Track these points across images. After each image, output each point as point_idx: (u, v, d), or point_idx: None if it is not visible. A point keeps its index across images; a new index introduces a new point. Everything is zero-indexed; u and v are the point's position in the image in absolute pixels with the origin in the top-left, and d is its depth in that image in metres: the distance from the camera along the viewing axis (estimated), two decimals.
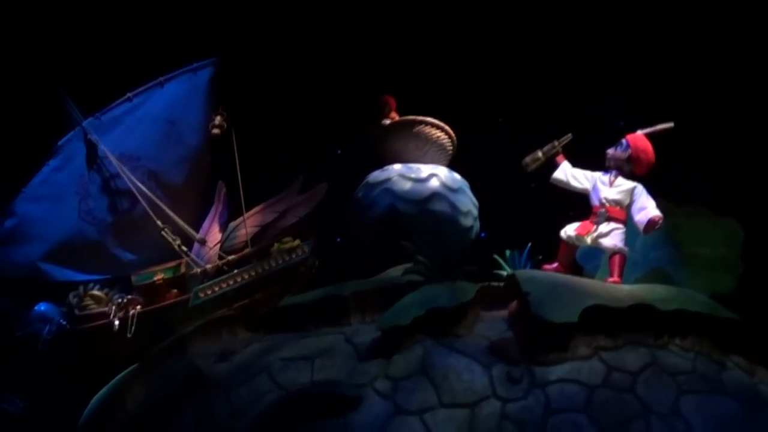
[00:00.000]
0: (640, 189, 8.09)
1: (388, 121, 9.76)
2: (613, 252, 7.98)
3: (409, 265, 8.22)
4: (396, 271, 8.30)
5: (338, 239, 10.39)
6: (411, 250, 8.22)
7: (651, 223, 7.90)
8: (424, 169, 9.26)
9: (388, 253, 8.63)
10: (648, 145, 8.17)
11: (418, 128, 9.52)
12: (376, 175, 9.35)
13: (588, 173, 8.25)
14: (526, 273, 7.59)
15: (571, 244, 8.20)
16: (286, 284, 9.25)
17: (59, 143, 9.34)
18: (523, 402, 6.56)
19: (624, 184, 8.10)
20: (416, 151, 9.46)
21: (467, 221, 9.23)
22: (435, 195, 9.12)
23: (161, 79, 9.58)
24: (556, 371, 6.70)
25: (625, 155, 8.12)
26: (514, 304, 7.33)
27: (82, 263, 9.24)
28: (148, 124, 9.46)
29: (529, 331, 6.92)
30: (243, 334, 8.56)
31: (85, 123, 9.36)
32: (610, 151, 8.20)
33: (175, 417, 7.35)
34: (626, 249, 8.05)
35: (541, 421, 6.44)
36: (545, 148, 8.35)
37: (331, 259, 9.48)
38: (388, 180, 9.20)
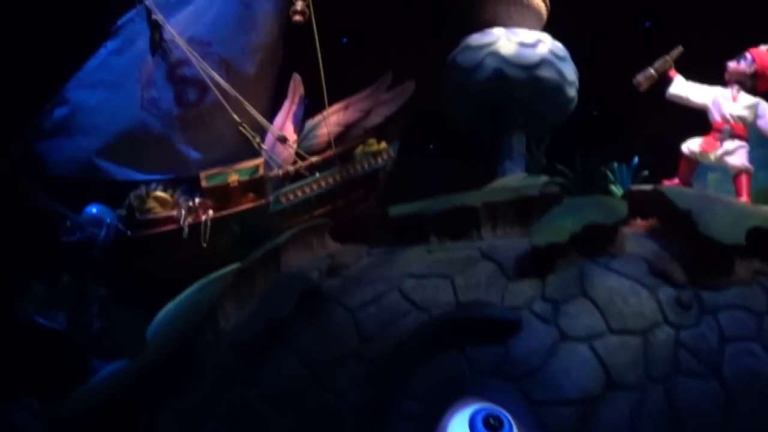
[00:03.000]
0: (764, 104, 7.74)
1: None
2: (740, 171, 7.60)
3: (524, 174, 7.55)
4: (513, 180, 7.59)
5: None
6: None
7: None
8: (529, 34, 8.52)
9: (489, 119, 7.89)
10: None
11: None
12: (478, 38, 8.66)
13: (705, 87, 7.86)
14: (673, 189, 7.06)
15: (693, 160, 7.78)
16: (368, 190, 8.46)
17: (119, 22, 8.34)
18: (696, 329, 6.00)
19: (748, 99, 7.74)
20: (515, 16, 8.76)
21: (571, 92, 8.71)
22: (544, 61, 8.52)
23: None
24: (724, 296, 6.16)
25: (750, 70, 7.78)
26: (656, 221, 6.75)
27: (143, 160, 8.31)
28: (220, 5, 8.38)
29: (692, 252, 6.32)
30: (333, 245, 7.82)
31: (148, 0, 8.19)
32: (732, 65, 7.83)
33: (291, 341, 6.44)
34: (752, 167, 7.64)
35: (717, 350, 5.90)
36: (656, 64, 7.93)
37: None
38: (493, 43, 8.46)
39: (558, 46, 8.75)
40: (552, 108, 8.54)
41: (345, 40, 9.85)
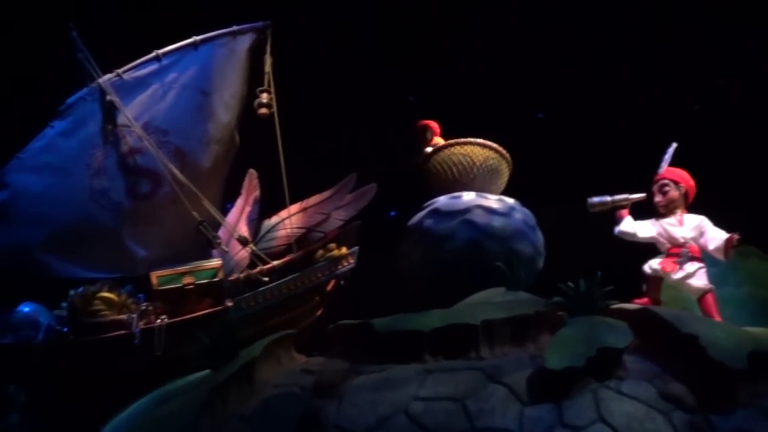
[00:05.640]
0: (706, 221, 7.88)
1: (430, 149, 8.73)
2: (704, 291, 7.65)
3: (500, 289, 7.32)
4: (494, 295, 7.32)
5: None
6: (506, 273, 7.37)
7: (729, 242, 7.63)
8: (502, 202, 8.29)
9: (454, 287, 7.59)
10: (687, 174, 8.06)
11: (458, 150, 8.57)
12: (449, 204, 8.21)
13: (648, 222, 7.97)
14: (668, 311, 6.94)
15: (657, 278, 7.77)
16: (323, 298, 7.97)
17: (69, 101, 7.46)
18: None
19: (693, 220, 7.89)
20: (463, 176, 8.48)
21: (540, 262, 8.39)
22: (519, 233, 8.19)
23: (196, 39, 7.87)
24: (732, 420, 6.13)
25: (681, 192, 7.95)
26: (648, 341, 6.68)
27: (88, 256, 7.44)
28: (178, 92, 7.75)
29: (698, 375, 6.26)
30: (301, 359, 7.30)
31: (103, 80, 7.46)
32: (662, 199, 7.96)
33: None
34: (713, 286, 7.73)
35: None
36: (617, 198, 8.02)
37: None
38: (466, 210, 8.11)
39: (528, 214, 8.53)
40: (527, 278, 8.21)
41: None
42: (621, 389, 6.21)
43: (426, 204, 8.41)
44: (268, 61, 8.00)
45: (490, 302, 7.18)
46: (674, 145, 7.98)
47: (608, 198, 7.97)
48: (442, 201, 8.31)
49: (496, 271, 7.64)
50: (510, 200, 8.39)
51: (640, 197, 7.95)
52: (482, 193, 8.42)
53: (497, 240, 8.04)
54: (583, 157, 10.59)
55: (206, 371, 6.93)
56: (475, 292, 7.51)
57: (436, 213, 8.24)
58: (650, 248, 8.00)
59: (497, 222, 8.12)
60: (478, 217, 8.10)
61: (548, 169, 10.10)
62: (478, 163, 8.57)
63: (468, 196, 8.30)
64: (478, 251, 7.98)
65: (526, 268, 8.14)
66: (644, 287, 7.96)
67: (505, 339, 6.75)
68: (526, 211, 8.46)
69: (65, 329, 7.13)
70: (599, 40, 11.13)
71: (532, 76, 11.03)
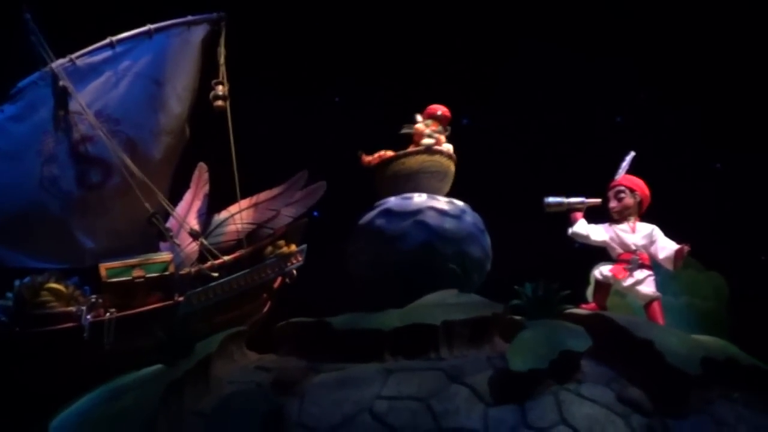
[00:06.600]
0: (658, 230, 7.99)
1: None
2: (651, 299, 7.80)
3: (453, 291, 7.35)
4: (447, 297, 7.31)
5: None
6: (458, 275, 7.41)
7: (680, 252, 7.76)
8: (453, 204, 8.28)
9: (404, 287, 7.59)
10: (643, 183, 8.16)
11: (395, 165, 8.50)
12: (401, 204, 8.11)
13: (601, 227, 8.03)
14: (622, 317, 7.07)
15: (606, 285, 7.87)
16: (270, 295, 7.84)
17: (20, 85, 7.13)
18: None
19: (645, 228, 7.99)
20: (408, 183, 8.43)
21: (488, 265, 8.39)
22: (470, 236, 8.16)
23: (150, 27, 7.61)
24: (685, 424, 6.30)
25: (636, 200, 8.04)
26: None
27: (35, 245, 7.13)
28: (131, 80, 7.48)
29: (652, 380, 6.40)
30: (252, 356, 7.19)
31: (55, 64, 7.18)
32: (617, 205, 8.05)
33: None
34: (660, 294, 7.87)
35: None
36: (572, 200, 8.05)
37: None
38: (418, 212, 8.06)
39: (477, 218, 8.46)
40: (475, 281, 8.22)
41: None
42: (580, 392, 6.29)
43: (376, 204, 8.33)
44: (222, 53, 7.82)
45: (446, 303, 7.16)
46: (632, 153, 8.08)
47: (564, 200, 8.01)
48: (393, 201, 8.22)
49: (449, 272, 7.66)
50: (460, 203, 8.39)
51: (596, 202, 8.02)
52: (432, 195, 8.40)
53: (450, 242, 7.99)
54: (536, 162, 10.69)
55: (156, 366, 6.77)
56: (425, 293, 7.46)
57: (388, 213, 8.14)
58: (587, 256, 8.14)
59: (449, 224, 8.07)
60: (431, 218, 8.04)
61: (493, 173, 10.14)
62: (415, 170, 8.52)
63: (419, 198, 8.23)
64: (430, 252, 7.92)
65: (477, 270, 8.13)
66: (588, 292, 8.08)
67: (463, 340, 6.80)
68: (475, 214, 8.48)
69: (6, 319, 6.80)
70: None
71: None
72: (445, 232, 8.02)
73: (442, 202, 8.24)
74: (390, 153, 8.48)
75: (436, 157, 8.48)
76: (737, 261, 9.59)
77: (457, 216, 8.19)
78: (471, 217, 8.32)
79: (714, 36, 11.01)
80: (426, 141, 8.42)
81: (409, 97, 8.85)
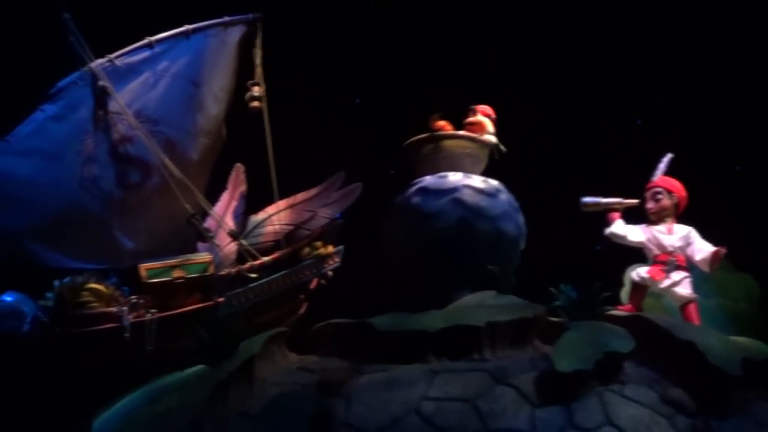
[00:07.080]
0: (695, 232, 7.96)
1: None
2: (688, 300, 7.77)
3: (490, 292, 7.37)
4: (487, 298, 7.32)
5: None
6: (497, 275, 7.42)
7: (716, 255, 7.73)
8: (488, 183, 8.26)
9: (440, 265, 7.67)
10: (680, 184, 8.13)
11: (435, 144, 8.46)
12: (437, 183, 8.08)
13: (638, 227, 8.00)
14: (663, 318, 7.10)
15: (642, 286, 7.86)
16: (306, 296, 7.84)
17: (60, 84, 7.14)
18: None
19: (682, 230, 7.96)
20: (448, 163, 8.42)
21: (522, 244, 8.37)
22: (505, 213, 8.15)
23: (188, 28, 7.64)
24: (727, 425, 6.30)
25: (673, 201, 8.01)
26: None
27: (76, 245, 7.14)
28: (169, 81, 7.52)
29: (695, 381, 6.42)
30: (293, 357, 7.20)
31: (94, 64, 7.18)
32: (655, 206, 8.02)
33: None
34: (698, 296, 7.85)
35: None
36: (610, 200, 8.03)
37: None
38: (455, 189, 8.04)
39: (511, 197, 8.41)
40: (511, 259, 8.19)
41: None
42: (624, 393, 6.31)
43: (412, 182, 8.30)
44: (258, 53, 7.83)
45: (486, 305, 7.17)
46: (670, 155, 8.08)
47: (601, 200, 8.00)
48: (429, 180, 8.16)
49: (484, 250, 7.70)
50: (494, 182, 8.37)
51: (633, 203, 7.99)
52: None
53: (486, 219, 7.95)
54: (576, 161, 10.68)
55: (198, 367, 6.76)
56: (460, 272, 7.58)
57: (424, 191, 8.08)
58: (614, 257, 8.19)
59: (485, 202, 8.03)
60: (468, 196, 8.00)
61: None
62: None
63: (455, 176, 8.19)
64: (467, 230, 7.90)
65: (511, 247, 8.15)
66: (623, 294, 8.08)
67: (506, 341, 6.81)
68: (509, 193, 8.47)
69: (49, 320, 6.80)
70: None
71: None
72: (481, 210, 7.98)
73: (477, 181, 8.21)
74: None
75: (485, 151, 8.55)
76: None
77: (492, 194, 8.15)
78: (506, 196, 8.32)
79: (734, 38, 11.03)
80: (488, 137, 8.44)
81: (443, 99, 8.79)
